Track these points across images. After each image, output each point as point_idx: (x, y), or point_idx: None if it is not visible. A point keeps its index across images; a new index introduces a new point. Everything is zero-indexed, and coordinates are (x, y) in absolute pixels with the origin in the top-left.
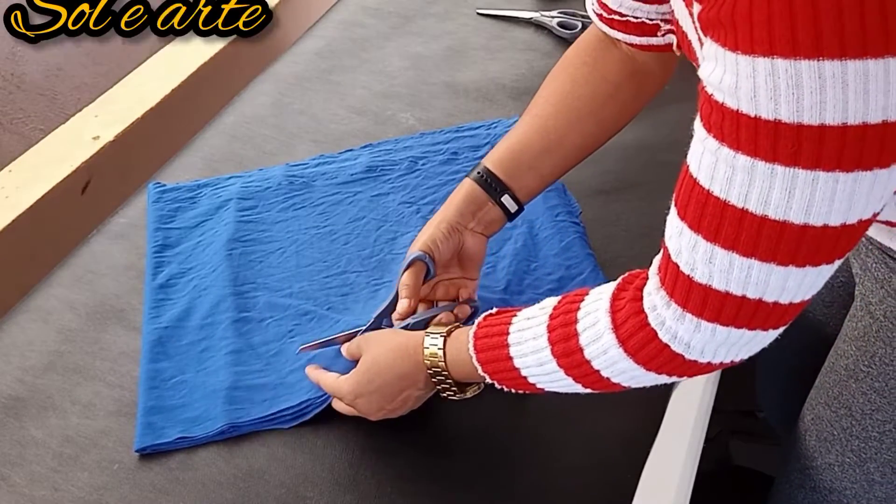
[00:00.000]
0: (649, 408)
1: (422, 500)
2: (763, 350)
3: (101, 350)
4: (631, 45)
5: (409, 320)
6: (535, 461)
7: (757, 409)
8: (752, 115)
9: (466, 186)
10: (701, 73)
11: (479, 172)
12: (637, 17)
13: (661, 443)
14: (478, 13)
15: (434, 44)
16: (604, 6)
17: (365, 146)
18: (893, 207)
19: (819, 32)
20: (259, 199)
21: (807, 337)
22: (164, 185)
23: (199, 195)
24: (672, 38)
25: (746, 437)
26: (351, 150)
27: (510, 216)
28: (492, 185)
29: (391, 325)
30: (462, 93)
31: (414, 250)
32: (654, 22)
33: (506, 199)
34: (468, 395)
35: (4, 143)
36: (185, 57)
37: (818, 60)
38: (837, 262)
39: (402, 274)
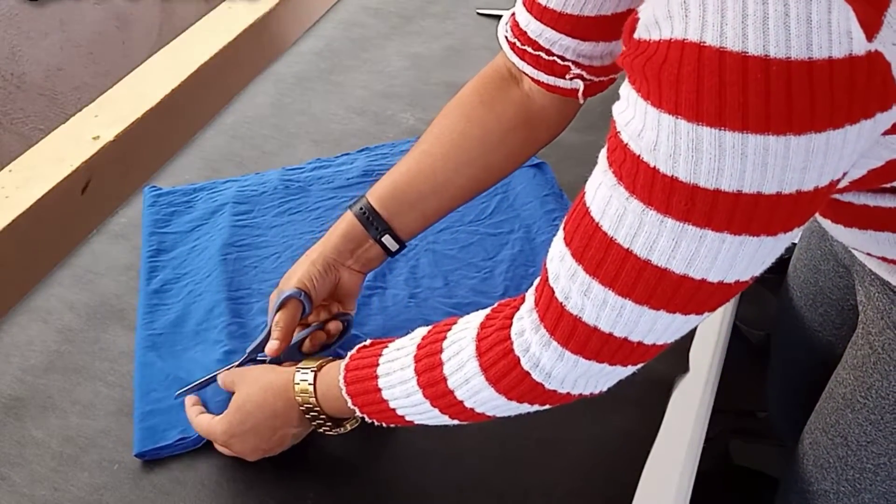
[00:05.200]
0: (649, 408)
1: (422, 500)
2: (772, 365)
3: (101, 350)
4: (536, 81)
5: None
6: (536, 461)
7: (757, 408)
8: (652, 165)
9: (347, 222)
10: (614, 108)
11: (361, 208)
12: (551, 55)
13: (661, 443)
14: (478, 13)
15: (434, 44)
16: (521, 34)
17: (361, 150)
18: (889, 245)
19: (723, 103)
20: (254, 204)
21: (816, 356)
22: (160, 189)
23: (194, 199)
24: (579, 84)
25: (746, 437)
26: (347, 155)
27: (391, 254)
28: (373, 223)
29: (265, 360)
30: None
31: (289, 287)
32: (566, 63)
33: (386, 239)
34: (347, 428)
35: (4, 143)
36: (185, 57)
37: (720, 130)
38: (707, 315)
39: (276, 312)
